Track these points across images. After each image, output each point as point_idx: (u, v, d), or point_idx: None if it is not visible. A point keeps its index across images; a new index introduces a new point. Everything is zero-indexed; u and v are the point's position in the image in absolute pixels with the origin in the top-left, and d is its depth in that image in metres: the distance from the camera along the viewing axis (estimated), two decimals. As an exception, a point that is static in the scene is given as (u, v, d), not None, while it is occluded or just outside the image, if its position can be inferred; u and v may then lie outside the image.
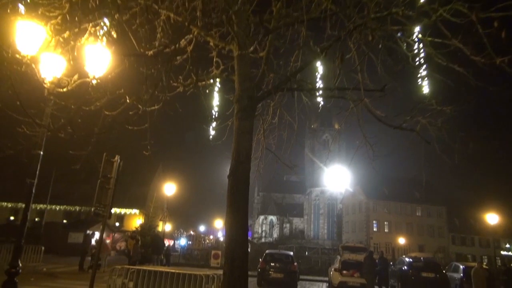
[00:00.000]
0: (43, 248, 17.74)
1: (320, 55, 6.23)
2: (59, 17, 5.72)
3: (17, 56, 5.48)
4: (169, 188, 21.84)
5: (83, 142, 5.84)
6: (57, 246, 28.49)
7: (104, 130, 5.10)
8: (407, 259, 17.62)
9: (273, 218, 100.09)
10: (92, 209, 7.66)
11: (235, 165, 4.56)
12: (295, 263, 17.40)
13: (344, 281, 16.13)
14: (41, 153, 6.26)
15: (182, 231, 63.73)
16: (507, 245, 68.97)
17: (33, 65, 5.63)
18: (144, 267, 8.90)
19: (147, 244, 19.43)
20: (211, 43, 6.31)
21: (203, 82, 6.53)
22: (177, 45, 5.93)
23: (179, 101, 6.46)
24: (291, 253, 19.15)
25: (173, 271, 8.75)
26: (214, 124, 6.45)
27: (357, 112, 6.48)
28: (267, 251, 18.86)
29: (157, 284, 8.45)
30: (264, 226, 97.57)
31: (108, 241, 29.95)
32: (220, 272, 9.87)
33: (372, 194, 65.14)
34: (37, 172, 6.34)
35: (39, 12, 5.62)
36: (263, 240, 60.36)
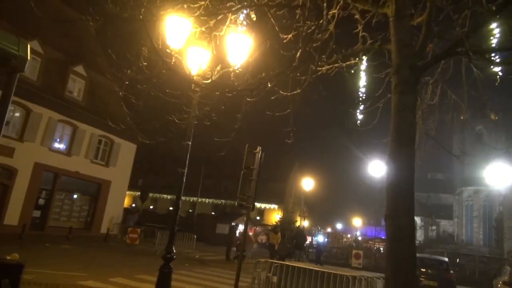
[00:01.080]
0: (195, 236, 19.41)
1: (495, 14, 4.94)
2: (202, 8, 5.76)
3: (167, 50, 5.70)
4: (307, 183, 21.58)
5: (227, 130, 5.80)
6: (206, 235, 31.24)
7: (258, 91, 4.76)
8: None
9: (417, 219, 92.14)
10: (236, 201, 7.71)
11: (396, 149, 3.78)
12: (452, 271, 15.20)
13: (518, 298, 13.40)
14: (190, 143, 6.46)
15: (319, 228, 63.47)
16: None
17: (180, 58, 5.79)
18: (288, 263, 8.65)
19: (290, 238, 19.60)
20: (357, 16, 5.59)
21: (349, 62, 5.86)
22: (318, 22, 5.37)
23: (323, 84, 5.92)
24: (446, 259, 16.83)
25: (317, 269, 8.29)
26: (361, 107, 5.73)
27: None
28: (417, 255, 16.97)
29: (301, 281, 8.10)
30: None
31: (250, 233, 31.37)
32: (366, 274, 9.04)
33: (545, 195, 54.10)
34: (187, 162, 6.57)
35: (185, 6, 5.74)
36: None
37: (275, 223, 28.48)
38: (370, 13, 5.19)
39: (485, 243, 77.26)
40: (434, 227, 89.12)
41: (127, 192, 29.99)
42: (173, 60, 5.66)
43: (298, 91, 5.41)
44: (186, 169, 6.52)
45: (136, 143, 26.98)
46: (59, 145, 22.07)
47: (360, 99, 5.66)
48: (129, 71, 5.38)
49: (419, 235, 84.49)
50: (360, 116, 5.71)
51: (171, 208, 57.49)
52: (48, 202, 21.35)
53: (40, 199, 20.94)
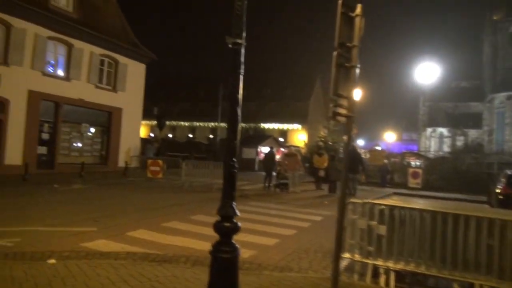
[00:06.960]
0: (226, 164, 16.57)
1: None
2: None
3: None
4: (356, 93, 17.83)
5: None
6: (233, 161, 28.73)
7: None
8: None
9: (443, 130, 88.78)
10: (330, 105, 4.33)
11: None
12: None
13: None
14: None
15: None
16: None
17: None
18: (402, 204, 5.44)
19: (339, 161, 16.72)
20: None
21: None
22: None
23: None
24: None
25: (452, 212, 5.06)
26: None
27: None
28: (508, 172, 13.77)
29: (431, 232, 4.98)
30: (433, 139, 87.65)
31: (277, 156, 28.49)
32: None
33: None
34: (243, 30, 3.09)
35: None
36: (431, 154, 52.42)
37: (318, 144, 25.54)
38: None
39: (517, 151, 74.00)
40: (462, 138, 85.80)
41: (142, 122, 27.10)
42: None
43: None
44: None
45: (144, 62, 23.32)
46: (54, 69, 18.63)
47: None
48: None
49: (445, 146, 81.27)
50: None
51: (190, 136, 55.32)
52: (53, 136, 18.49)
53: (43, 133, 18.07)
